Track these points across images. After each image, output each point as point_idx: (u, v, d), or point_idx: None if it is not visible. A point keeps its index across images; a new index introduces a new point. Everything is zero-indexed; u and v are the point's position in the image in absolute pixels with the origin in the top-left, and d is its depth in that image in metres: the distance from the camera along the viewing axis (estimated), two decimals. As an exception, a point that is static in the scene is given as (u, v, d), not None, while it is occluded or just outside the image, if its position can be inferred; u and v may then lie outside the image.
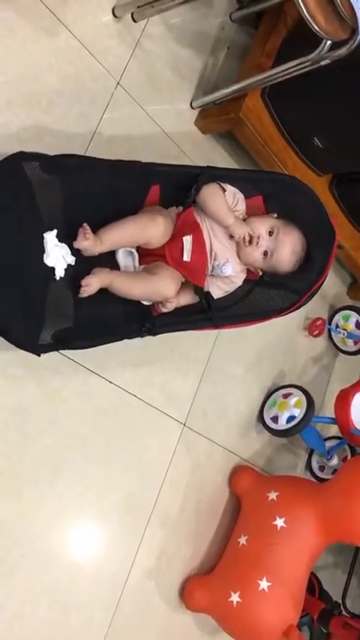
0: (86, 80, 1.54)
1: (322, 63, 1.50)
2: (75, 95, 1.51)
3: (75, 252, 1.30)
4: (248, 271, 1.57)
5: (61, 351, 1.43)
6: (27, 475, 1.41)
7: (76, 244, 1.28)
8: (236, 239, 1.48)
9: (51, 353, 1.32)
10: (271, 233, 1.50)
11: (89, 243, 1.29)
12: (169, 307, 1.42)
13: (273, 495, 1.83)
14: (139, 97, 1.67)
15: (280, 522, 1.74)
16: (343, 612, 2.10)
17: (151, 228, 1.38)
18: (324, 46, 1.44)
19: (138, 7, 1.59)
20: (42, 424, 1.44)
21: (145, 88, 1.69)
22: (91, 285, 1.28)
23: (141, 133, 1.68)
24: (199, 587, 1.77)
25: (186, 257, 1.44)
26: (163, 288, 1.39)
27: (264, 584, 1.65)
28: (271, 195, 1.57)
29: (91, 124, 1.55)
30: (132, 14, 1.62)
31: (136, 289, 1.38)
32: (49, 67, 1.46)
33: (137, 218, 1.38)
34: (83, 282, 1.27)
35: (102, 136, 1.56)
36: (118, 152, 1.58)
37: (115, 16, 1.60)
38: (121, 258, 1.42)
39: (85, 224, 1.29)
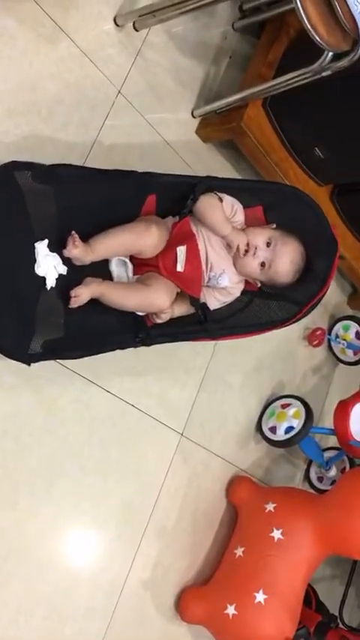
0: (87, 89, 1.53)
1: (324, 74, 1.50)
2: (75, 104, 1.51)
3: (67, 262, 1.30)
4: (247, 282, 1.56)
5: (57, 360, 1.43)
6: (23, 484, 1.40)
7: (66, 253, 1.28)
8: (233, 249, 1.47)
9: (48, 362, 1.32)
10: (268, 244, 1.49)
11: (79, 251, 1.28)
12: (164, 318, 1.41)
13: (270, 507, 1.82)
14: (140, 105, 1.67)
15: (277, 534, 1.73)
16: (340, 625, 2.09)
17: (144, 237, 1.37)
18: (326, 57, 1.44)
19: (139, 16, 1.59)
20: (38, 433, 1.43)
21: (147, 96, 1.69)
22: (81, 295, 1.27)
23: (142, 142, 1.68)
24: (195, 599, 1.76)
25: (179, 268, 1.43)
26: (157, 300, 1.38)
27: (260, 596, 1.64)
28: (272, 205, 1.57)
29: (92, 133, 1.55)
30: (134, 23, 1.62)
31: (129, 300, 1.37)
32: (49, 76, 1.46)
33: (130, 227, 1.37)
34: (73, 293, 1.26)
35: (102, 144, 1.56)
36: (119, 161, 1.58)
37: (116, 24, 1.60)
38: (115, 268, 1.41)
39: (73, 232, 1.27)
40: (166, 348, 1.51)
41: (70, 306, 1.27)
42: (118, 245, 1.35)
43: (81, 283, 1.29)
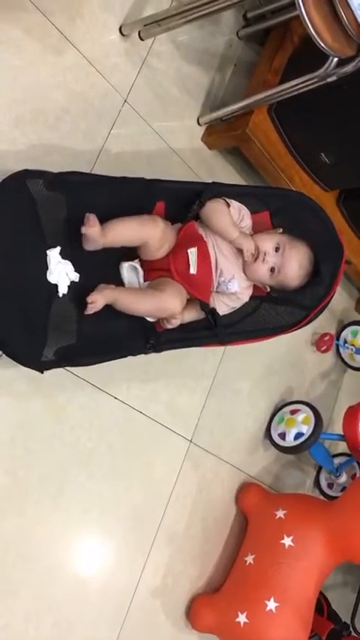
0: (93, 98, 1.55)
1: (329, 80, 1.51)
2: (82, 112, 1.52)
3: (78, 269, 1.30)
4: (255, 287, 1.56)
5: (66, 367, 1.43)
6: (32, 491, 1.40)
7: (84, 230, 1.26)
8: (245, 252, 1.47)
9: (56, 369, 1.32)
10: (277, 249, 1.49)
11: (95, 230, 1.27)
12: (174, 324, 1.41)
13: (281, 514, 1.81)
14: (146, 114, 1.68)
15: (287, 541, 1.72)
16: (353, 633, 2.07)
17: (149, 225, 1.37)
18: (331, 63, 1.44)
19: (145, 25, 1.60)
20: (47, 440, 1.43)
21: (152, 105, 1.70)
22: (97, 301, 1.27)
23: (148, 150, 1.69)
24: (206, 607, 1.75)
25: (192, 270, 1.43)
26: (169, 305, 1.38)
27: (271, 604, 1.63)
28: (278, 210, 1.57)
29: (98, 141, 1.56)
30: (139, 32, 1.64)
31: (142, 306, 1.37)
32: (56, 85, 1.47)
33: (138, 216, 1.37)
34: (89, 299, 1.26)
35: (109, 152, 1.57)
36: (125, 169, 1.58)
37: (122, 34, 1.61)
38: (126, 273, 1.41)
39: (90, 213, 1.27)
40: (174, 354, 1.51)
41: (86, 313, 1.27)
42: (125, 230, 1.34)
43: (94, 290, 1.29)
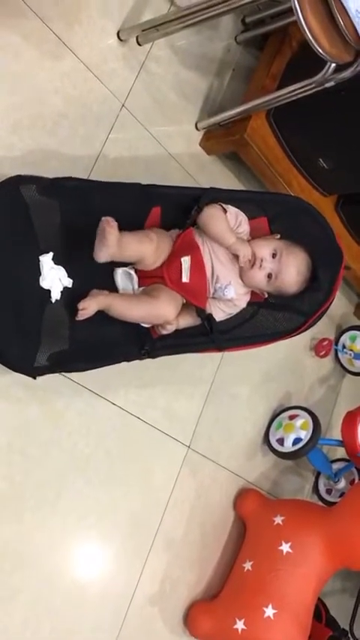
0: (91, 103, 1.55)
1: (327, 85, 1.51)
2: (80, 118, 1.52)
3: (72, 274, 1.29)
4: (253, 293, 1.56)
5: (63, 373, 1.43)
6: (29, 497, 1.39)
7: (104, 233, 1.25)
8: (241, 258, 1.47)
9: (54, 375, 1.32)
10: (274, 255, 1.49)
11: (114, 234, 1.25)
12: (169, 330, 1.41)
13: (279, 520, 1.80)
14: (144, 119, 1.68)
15: (286, 547, 1.71)
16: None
17: (144, 242, 1.37)
18: (328, 68, 1.44)
19: (143, 30, 1.60)
20: (45, 446, 1.42)
21: (150, 110, 1.70)
22: (88, 307, 1.26)
23: (146, 155, 1.69)
24: (204, 613, 1.74)
25: (185, 278, 1.43)
26: (163, 311, 1.37)
27: (269, 611, 1.62)
28: (276, 216, 1.57)
29: (96, 146, 1.55)
30: (137, 38, 1.64)
31: (136, 312, 1.36)
32: (54, 90, 1.47)
33: (135, 232, 1.37)
34: (80, 305, 1.26)
35: (107, 157, 1.57)
36: (123, 173, 1.58)
37: (120, 39, 1.61)
38: (120, 280, 1.41)
39: (107, 217, 1.26)
40: (172, 359, 1.51)
41: (77, 319, 1.27)
42: (131, 245, 1.34)
43: (87, 296, 1.29)
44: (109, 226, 1.25)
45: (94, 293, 1.29)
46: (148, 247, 1.37)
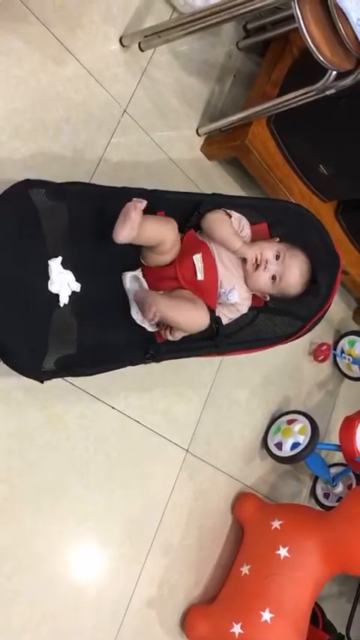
0: (93, 108, 1.55)
1: (328, 92, 1.52)
2: (82, 122, 1.52)
3: (80, 279, 1.30)
4: (253, 297, 1.56)
5: (64, 377, 1.43)
6: (28, 501, 1.40)
7: (129, 211, 1.25)
8: (249, 261, 1.48)
9: (55, 378, 1.32)
10: (277, 257, 1.50)
11: (137, 214, 1.25)
12: (177, 337, 1.41)
13: (277, 524, 1.80)
14: (146, 124, 1.68)
15: (283, 552, 1.72)
16: (348, 644, 2.06)
17: (166, 225, 1.37)
18: (329, 76, 1.45)
19: (145, 36, 1.61)
20: (44, 450, 1.43)
21: (152, 115, 1.71)
22: (157, 312, 1.28)
23: (147, 160, 1.69)
24: (201, 617, 1.74)
25: (200, 276, 1.43)
26: (202, 319, 1.38)
27: (267, 615, 1.63)
28: (276, 222, 1.58)
29: (98, 151, 1.56)
30: (139, 43, 1.64)
31: (179, 317, 1.35)
32: (56, 95, 1.47)
33: (154, 215, 1.37)
34: (150, 314, 1.28)
35: (108, 162, 1.58)
36: (125, 178, 1.59)
37: (122, 45, 1.62)
38: (129, 283, 1.40)
39: (135, 200, 1.26)
40: (171, 363, 1.51)
41: (150, 321, 1.29)
42: (152, 225, 1.34)
43: (143, 298, 1.30)
44: (135, 208, 1.25)
45: (150, 296, 1.30)
46: (169, 230, 1.37)
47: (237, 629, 1.63)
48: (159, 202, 1.42)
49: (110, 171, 1.58)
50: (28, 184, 1.23)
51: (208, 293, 1.45)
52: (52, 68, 1.47)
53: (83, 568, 1.53)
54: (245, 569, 1.77)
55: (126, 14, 1.64)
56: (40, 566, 1.42)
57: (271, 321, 1.61)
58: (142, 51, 1.67)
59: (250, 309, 1.56)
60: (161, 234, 1.36)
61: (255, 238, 1.55)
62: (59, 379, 1.42)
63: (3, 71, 1.38)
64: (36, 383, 1.24)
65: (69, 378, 1.46)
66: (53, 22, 1.47)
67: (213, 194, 1.50)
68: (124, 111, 1.63)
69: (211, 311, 1.45)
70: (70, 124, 1.50)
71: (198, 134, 1.85)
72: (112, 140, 1.60)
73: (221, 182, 1.95)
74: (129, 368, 1.39)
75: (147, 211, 1.40)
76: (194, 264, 1.43)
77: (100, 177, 1.54)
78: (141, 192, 1.38)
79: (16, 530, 1.37)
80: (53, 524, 1.45)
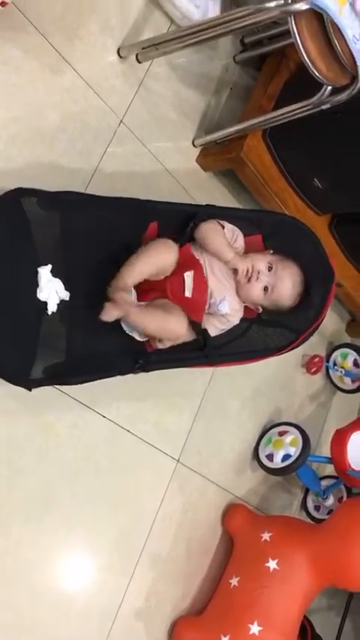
0: (90, 118, 1.56)
1: (323, 107, 1.53)
2: (78, 132, 1.53)
3: (69, 287, 1.30)
4: (246, 309, 1.57)
5: (55, 386, 1.43)
6: (16, 510, 1.39)
7: (106, 319, 1.28)
8: (240, 272, 1.48)
9: (45, 387, 1.32)
10: (270, 268, 1.50)
11: (116, 312, 1.28)
12: (166, 345, 1.42)
13: (266, 536, 1.80)
14: (142, 135, 1.69)
15: (272, 564, 1.71)
16: (336, 658, 2.06)
17: (167, 251, 1.38)
18: (324, 91, 1.47)
19: (143, 48, 1.62)
20: (34, 458, 1.42)
21: (148, 126, 1.72)
22: (111, 313, 1.28)
23: (143, 170, 1.70)
24: (189, 629, 1.73)
25: (187, 293, 1.43)
26: (177, 328, 1.38)
27: (255, 628, 1.62)
28: (271, 234, 1.58)
29: (94, 161, 1.57)
30: (137, 55, 1.65)
31: (151, 324, 1.36)
32: (53, 105, 1.48)
33: (148, 247, 1.37)
34: (105, 311, 1.28)
35: (103, 172, 1.58)
36: (120, 188, 1.60)
37: (120, 56, 1.63)
38: None
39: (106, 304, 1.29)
40: (163, 373, 1.51)
41: (100, 318, 1.28)
42: (149, 266, 1.35)
43: (111, 300, 1.29)
44: (107, 315, 1.28)
45: (119, 298, 1.29)
46: (168, 256, 1.39)
47: (225, 641, 1.62)
48: (153, 213, 1.43)
49: (106, 180, 1.58)
50: (20, 193, 1.24)
51: (194, 309, 1.45)
52: (50, 78, 1.48)
53: (71, 579, 1.52)
54: (234, 581, 1.76)
55: (124, 26, 1.65)
56: (28, 576, 1.41)
57: (264, 333, 1.61)
58: (139, 62, 1.68)
59: (243, 320, 1.56)
60: (159, 263, 1.38)
61: (249, 250, 1.56)
62: (50, 388, 1.42)
63: (1, 80, 1.38)
64: (26, 391, 1.24)
65: (60, 387, 1.45)
66: (52, 32, 1.47)
67: (207, 205, 1.50)
68: (121, 121, 1.64)
69: (197, 324, 1.45)
70: (66, 133, 1.51)
71: (194, 145, 1.86)
72: (108, 150, 1.60)
73: (217, 193, 1.96)
74: (121, 377, 1.39)
75: (141, 221, 1.41)
76: (184, 281, 1.43)
77: (96, 187, 1.54)
78: (135, 203, 1.38)
79: (3, 541, 1.37)
80: (41, 535, 1.44)
